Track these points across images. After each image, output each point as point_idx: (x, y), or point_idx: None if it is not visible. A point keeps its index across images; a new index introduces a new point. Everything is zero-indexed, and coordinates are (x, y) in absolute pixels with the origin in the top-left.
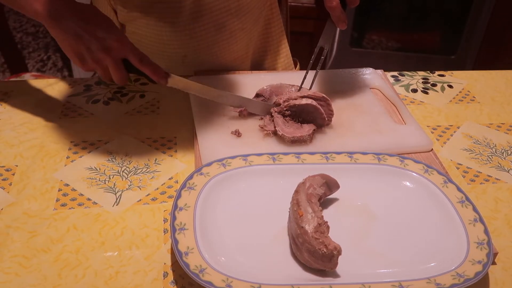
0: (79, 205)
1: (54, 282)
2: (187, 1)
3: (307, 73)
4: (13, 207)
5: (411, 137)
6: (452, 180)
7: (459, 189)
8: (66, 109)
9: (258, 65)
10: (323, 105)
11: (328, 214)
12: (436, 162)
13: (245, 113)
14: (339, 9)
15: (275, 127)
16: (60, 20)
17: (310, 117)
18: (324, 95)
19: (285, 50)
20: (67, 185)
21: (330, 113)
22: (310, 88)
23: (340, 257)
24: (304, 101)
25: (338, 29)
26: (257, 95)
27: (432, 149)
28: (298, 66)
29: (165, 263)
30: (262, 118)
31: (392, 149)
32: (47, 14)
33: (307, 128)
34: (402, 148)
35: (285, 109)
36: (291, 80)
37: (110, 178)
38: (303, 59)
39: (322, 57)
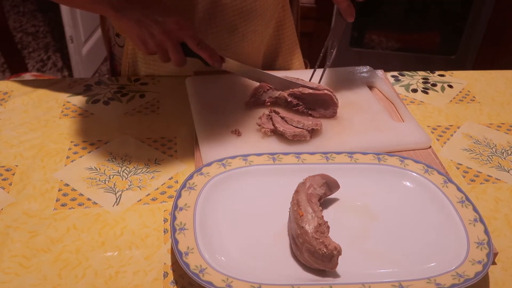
0: (79, 205)
1: (54, 282)
2: (199, 4)
3: (315, 69)
4: (13, 207)
5: (410, 134)
6: (452, 180)
7: (459, 189)
8: (66, 109)
9: (269, 67)
10: None
11: (328, 214)
12: (436, 162)
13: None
14: (346, 1)
15: (273, 125)
16: (123, 10)
17: (322, 107)
18: (328, 88)
19: (297, 51)
20: (67, 185)
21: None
22: (319, 82)
23: (340, 257)
24: (323, 90)
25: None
26: (257, 89)
27: (430, 146)
28: (308, 67)
29: (165, 263)
30: (260, 118)
31: (391, 146)
32: (111, 7)
33: (311, 121)
34: (401, 146)
35: (299, 93)
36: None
37: (110, 178)
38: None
39: (332, 50)
